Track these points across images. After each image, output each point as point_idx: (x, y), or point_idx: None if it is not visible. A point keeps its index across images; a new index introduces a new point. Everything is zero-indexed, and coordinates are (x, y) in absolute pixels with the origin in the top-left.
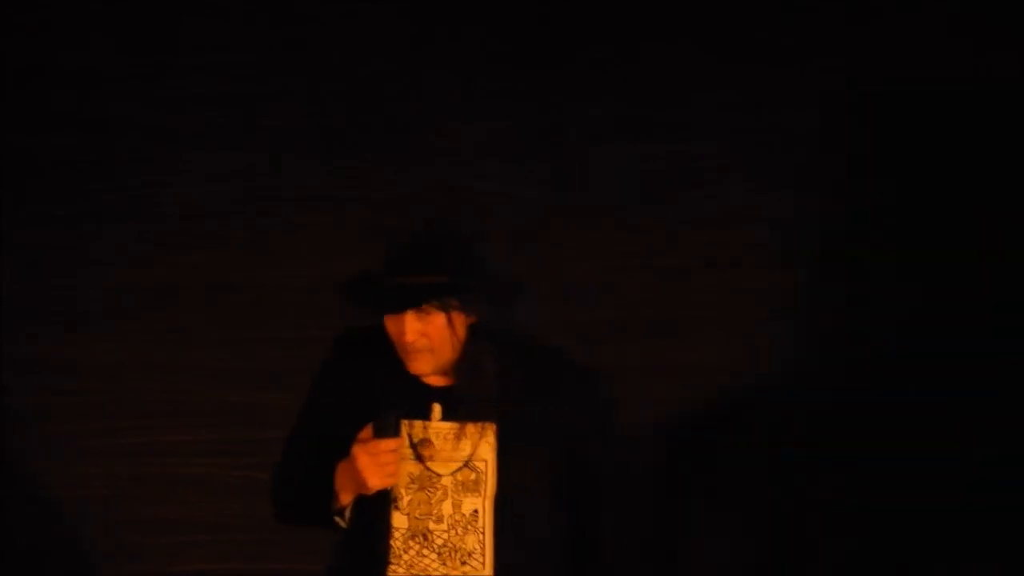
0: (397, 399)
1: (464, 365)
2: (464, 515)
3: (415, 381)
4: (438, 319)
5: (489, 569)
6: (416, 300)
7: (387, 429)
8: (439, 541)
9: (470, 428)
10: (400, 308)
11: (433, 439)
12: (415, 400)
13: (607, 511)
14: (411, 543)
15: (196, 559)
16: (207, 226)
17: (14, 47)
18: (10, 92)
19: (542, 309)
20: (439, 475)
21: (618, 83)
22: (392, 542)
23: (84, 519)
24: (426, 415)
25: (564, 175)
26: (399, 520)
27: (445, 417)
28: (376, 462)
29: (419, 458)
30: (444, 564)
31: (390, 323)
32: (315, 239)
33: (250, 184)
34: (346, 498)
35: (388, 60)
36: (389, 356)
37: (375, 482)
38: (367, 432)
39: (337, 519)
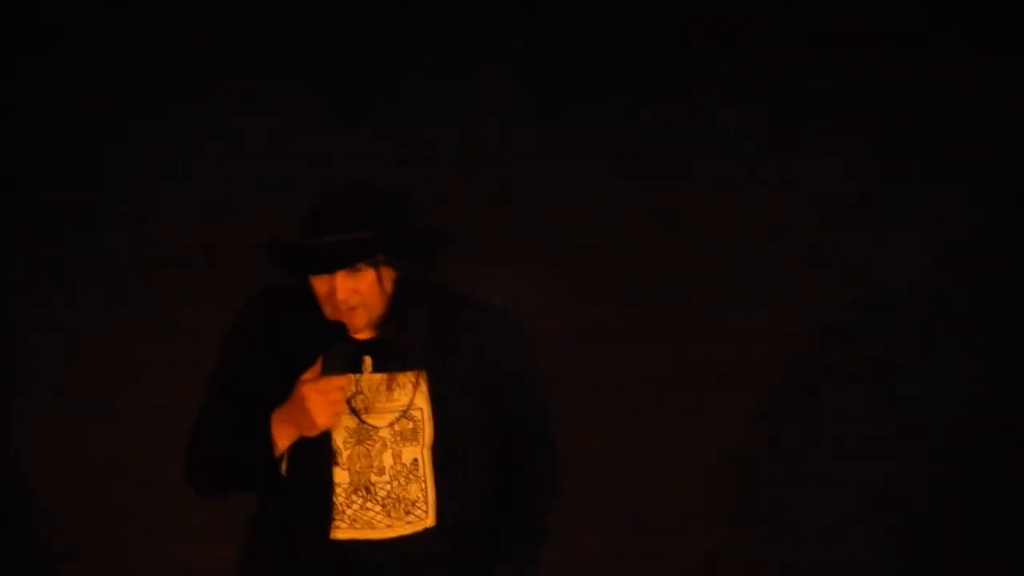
0: (323, 354)
1: (392, 317)
2: (405, 465)
3: (342, 335)
4: (369, 276)
5: (432, 518)
6: (347, 259)
7: (335, 366)
8: (382, 493)
9: (401, 378)
10: (332, 268)
11: (366, 391)
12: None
13: (539, 450)
14: (354, 497)
15: (196, 515)
16: None
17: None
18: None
19: (542, 271)
20: (376, 427)
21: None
22: (334, 498)
23: (82, 478)
24: (357, 368)
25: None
26: (340, 475)
27: (376, 369)
28: (326, 400)
29: (354, 412)
30: (388, 515)
31: (318, 282)
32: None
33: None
34: (284, 444)
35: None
36: (311, 313)
37: (323, 420)
38: (312, 372)
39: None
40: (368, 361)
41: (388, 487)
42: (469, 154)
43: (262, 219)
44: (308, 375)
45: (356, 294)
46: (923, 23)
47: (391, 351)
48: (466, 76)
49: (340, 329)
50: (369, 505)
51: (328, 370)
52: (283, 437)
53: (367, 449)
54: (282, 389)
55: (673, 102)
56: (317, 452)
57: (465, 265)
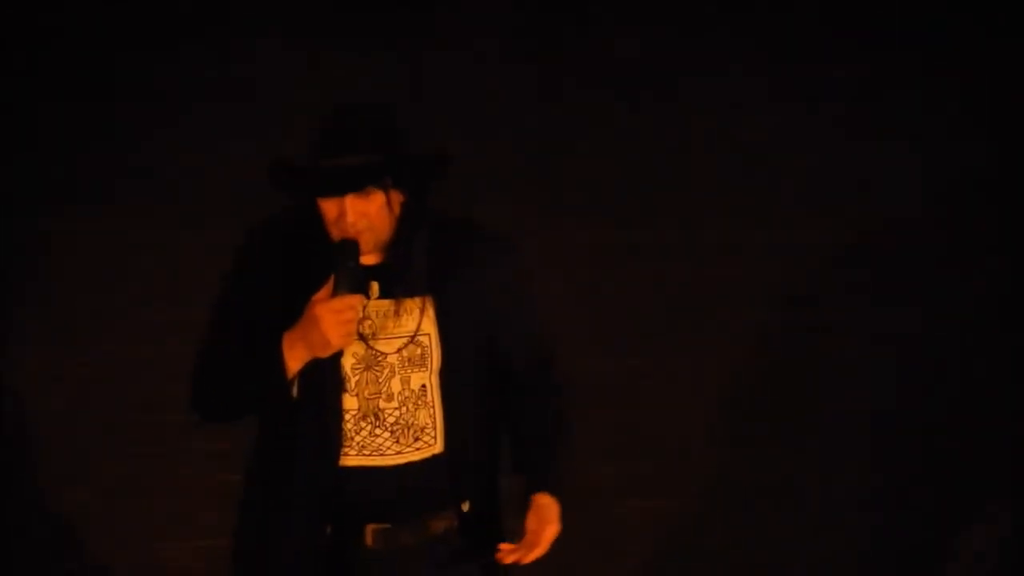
0: (335, 272)
1: (398, 242)
2: (413, 391)
3: (354, 254)
4: (378, 199)
5: (441, 443)
6: (358, 182)
7: (347, 285)
8: (391, 419)
9: (408, 303)
10: (343, 191)
11: (373, 317)
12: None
13: (544, 372)
14: (362, 424)
15: (197, 439)
16: None
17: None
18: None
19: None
20: (384, 353)
21: None
22: (343, 425)
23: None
24: (364, 293)
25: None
26: (349, 402)
27: (382, 295)
28: (339, 319)
29: (362, 337)
30: (397, 442)
31: (327, 205)
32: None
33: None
34: (296, 366)
35: None
36: (318, 235)
37: (337, 340)
38: (323, 292)
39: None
40: (375, 286)
41: (397, 413)
42: (464, 76)
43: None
44: (320, 294)
45: (365, 217)
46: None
47: (397, 276)
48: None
49: (352, 246)
50: (378, 432)
51: (340, 288)
52: (295, 359)
53: (376, 375)
54: (291, 311)
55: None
56: (326, 378)
57: (464, 189)
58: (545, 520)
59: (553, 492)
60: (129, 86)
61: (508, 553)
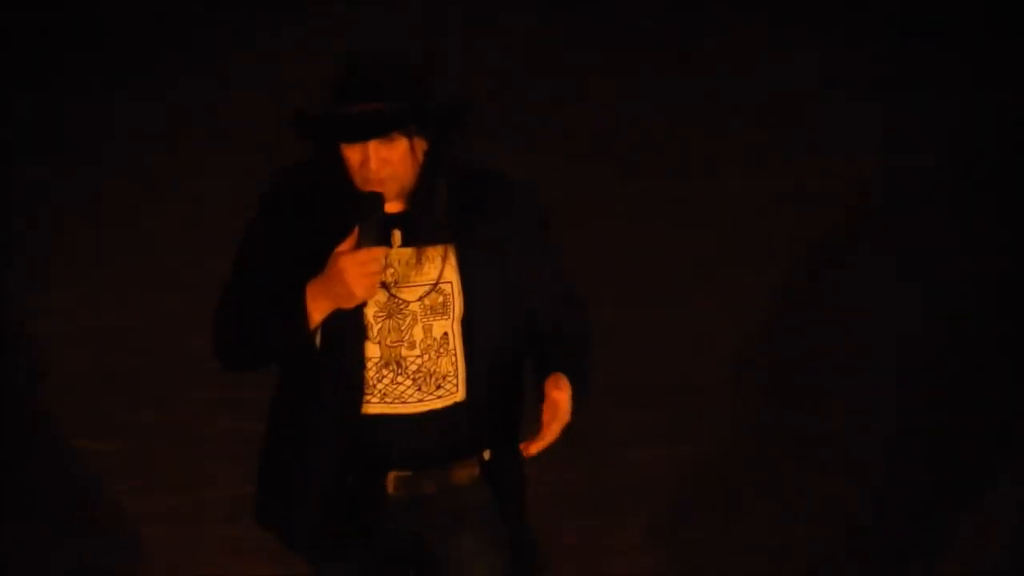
0: (359, 224)
1: (420, 189)
2: (435, 339)
3: (378, 205)
4: (402, 145)
5: (462, 391)
6: (383, 128)
7: (371, 237)
8: (413, 367)
9: (430, 251)
10: (365, 137)
11: (396, 265)
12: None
13: (572, 308)
14: (384, 371)
15: (218, 388)
16: None
17: None
18: None
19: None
20: (406, 301)
21: None
22: (365, 373)
23: (108, 351)
24: (387, 242)
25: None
26: (371, 350)
27: (404, 243)
28: (364, 271)
29: (384, 286)
30: (419, 390)
31: (350, 152)
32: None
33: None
34: (319, 317)
35: None
36: (341, 184)
37: (362, 292)
38: (347, 244)
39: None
40: (397, 234)
41: (419, 361)
42: (480, 26)
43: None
44: (344, 246)
45: (388, 164)
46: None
47: (419, 224)
48: None
49: (377, 198)
50: (400, 379)
51: (364, 240)
52: (318, 310)
53: (398, 323)
54: (314, 260)
55: None
56: (348, 327)
57: (478, 140)
58: (557, 404)
59: (569, 382)
60: (140, 34)
61: (526, 448)
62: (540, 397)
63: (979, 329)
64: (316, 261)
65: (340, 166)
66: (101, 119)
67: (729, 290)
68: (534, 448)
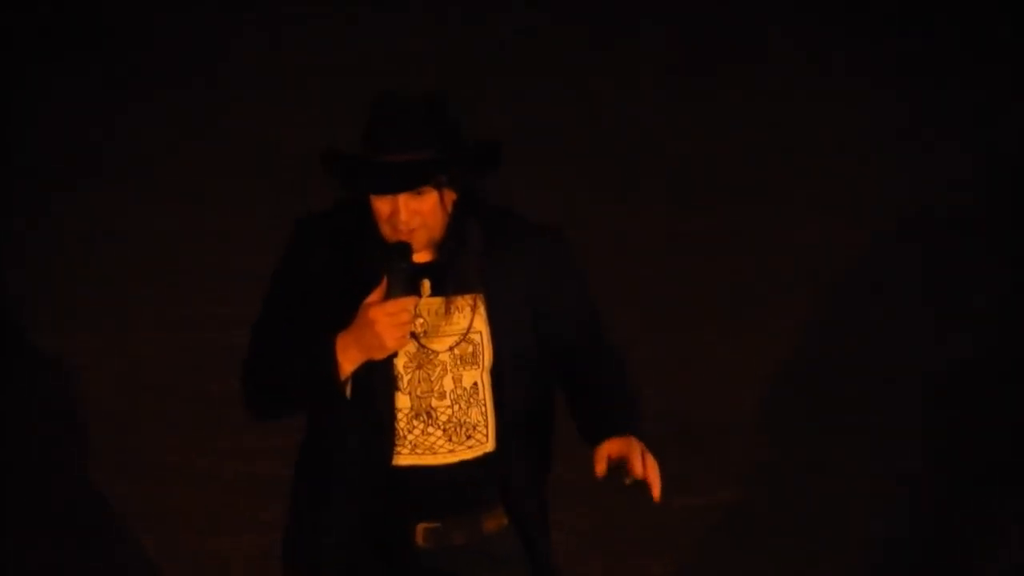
0: (387, 274)
1: (449, 238)
2: (466, 389)
3: (407, 255)
4: (432, 197)
5: (492, 441)
6: (413, 182)
7: (400, 287)
8: (443, 417)
9: (460, 301)
10: (396, 190)
11: (425, 315)
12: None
13: (608, 355)
14: (415, 422)
15: (246, 433)
16: None
17: None
18: None
19: (589, 177)
20: (436, 351)
21: None
22: (396, 424)
23: (130, 390)
24: (416, 291)
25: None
26: (402, 400)
27: (434, 292)
28: (394, 321)
29: (414, 336)
30: (450, 440)
31: (380, 203)
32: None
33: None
34: (350, 368)
35: None
36: (370, 232)
37: (393, 343)
38: (376, 295)
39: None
40: (426, 284)
41: (449, 411)
42: (504, 59)
43: (319, 128)
44: (373, 297)
45: (418, 215)
46: None
47: (448, 274)
48: None
49: (405, 248)
50: (431, 430)
51: (393, 291)
52: (349, 361)
53: (428, 373)
54: (343, 309)
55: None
56: (378, 377)
57: (503, 175)
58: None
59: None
60: (169, 74)
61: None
62: (617, 471)
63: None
64: (345, 308)
65: (368, 212)
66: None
67: (762, 330)
68: (656, 490)
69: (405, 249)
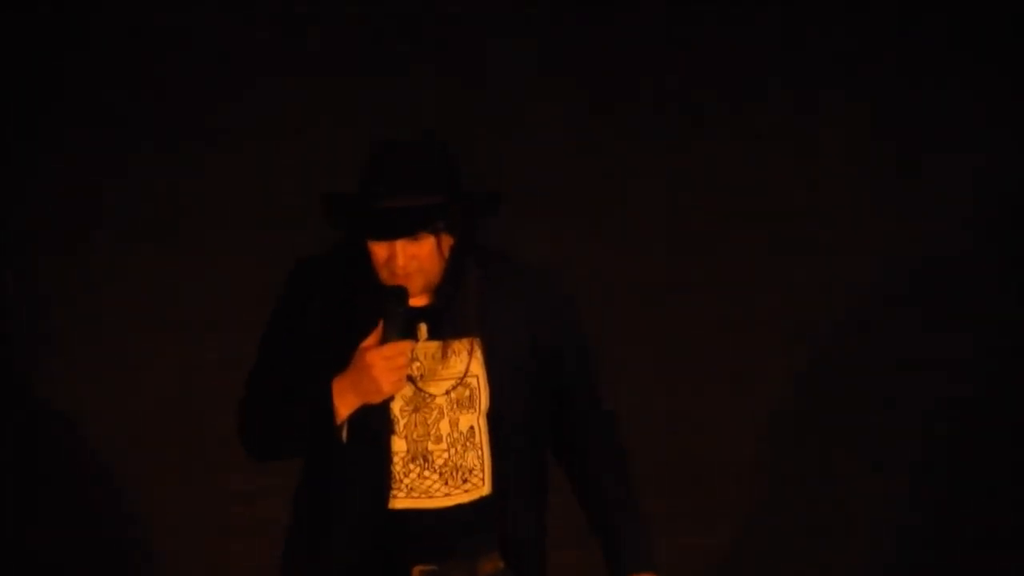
0: (384, 318)
1: (446, 283)
2: (462, 433)
3: (403, 299)
4: (429, 242)
5: (488, 485)
6: (412, 227)
7: (397, 331)
8: (439, 461)
9: (456, 345)
10: (394, 236)
11: (422, 359)
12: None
13: (598, 411)
14: (411, 466)
15: (249, 473)
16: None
17: None
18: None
19: (586, 223)
20: (433, 395)
21: None
22: (392, 467)
23: (132, 433)
24: (413, 335)
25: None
26: (398, 444)
27: (430, 336)
28: (390, 365)
29: (410, 379)
30: (446, 484)
31: (377, 248)
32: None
33: (303, 101)
34: (346, 412)
35: None
36: (365, 276)
37: (389, 387)
38: (372, 339)
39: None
40: (423, 328)
41: (446, 455)
42: (506, 104)
43: (314, 176)
44: (370, 341)
45: (415, 260)
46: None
47: (445, 317)
48: (498, 20)
49: (402, 293)
50: (427, 474)
51: (390, 335)
52: (345, 405)
53: (424, 417)
54: (340, 352)
55: (717, 53)
56: (374, 421)
57: (500, 219)
58: None
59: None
60: (167, 121)
61: None
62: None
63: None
64: (342, 352)
65: (364, 255)
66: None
67: (762, 370)
68: None
69: (402, 293)
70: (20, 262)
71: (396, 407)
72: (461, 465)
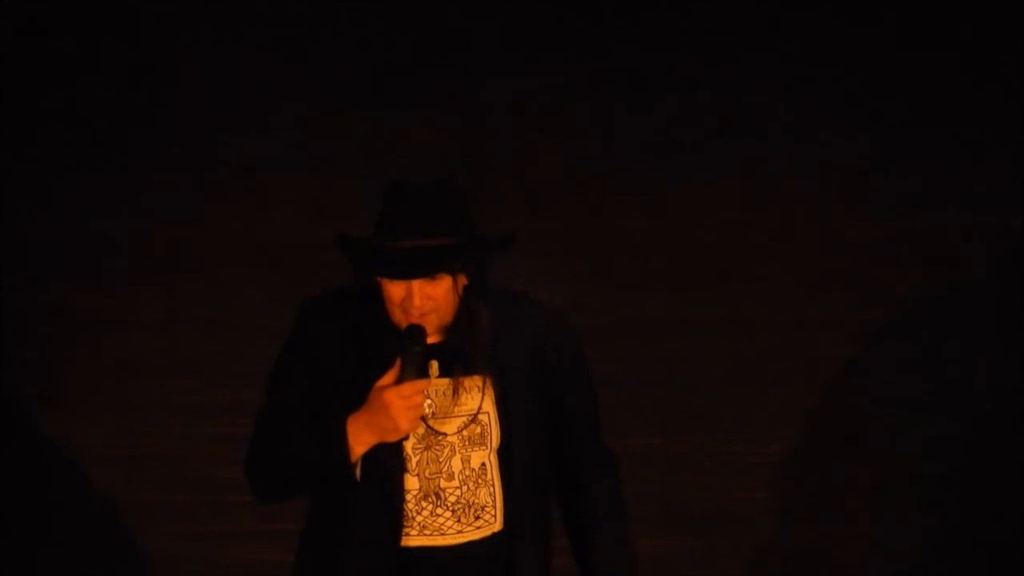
0: (401, 357)
1: (459, 321)
2: (474, 470)
3: (421, 339)
4: (445, 282)
5: (500, 521)
6: (431, 268)
7: (413, 369)
8: (452, 498)
9: (468, 383)
10: (413, 275)
11: (433, 396)
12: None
13: (599, 452)
14: (424, 503)
15: (253, 518)
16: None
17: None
18: (63, 39)
19: (589, 263)
20: (445, 433)
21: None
22: (405, 505)
23: (138, 477)
24: (425, 373)
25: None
26: (410, 482)
27: (441, 373)
28: (408, 404)
29: (422, 417)
30: (458, 521)
31: (393, 287)
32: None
33: (304, 140)
34: (361, 450)
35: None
36: (378, 315)
37: (406, 426)
38: (388, 378)
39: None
40: (435, 365)
41: (458, 492)
42: (505, 146)
43: (320, 220)
44: (386, 380)
45: (431, 301)
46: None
47: (457, 355)
48: (500, 63)
49: (420, 332)
50: (439, 511)
51: (407, 374)
52: (360, 444)
53: (436, 455)
54: (351, 392)
55: (721, 88)
56: (387, 459)
57: (504, 258)
58: None
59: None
60: (172, 167)
61: None
62: None
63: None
64: (353, 392)
65: (376, 294)
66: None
67: (766, 413)
68: None
69: (420, 333)
70: (23, 301)
71: (408, 445)
72: (473, 502)
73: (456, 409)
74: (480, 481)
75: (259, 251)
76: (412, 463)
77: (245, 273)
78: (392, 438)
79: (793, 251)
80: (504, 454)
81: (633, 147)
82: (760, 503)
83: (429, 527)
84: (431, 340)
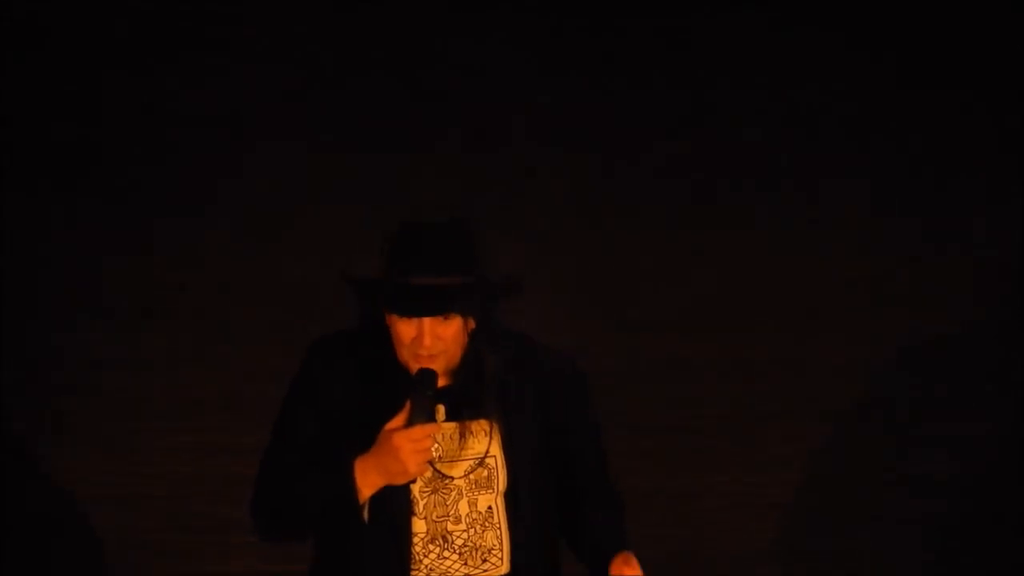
0: (411, 400)
1: (466, 364)
2: (481, 513)
3: (431, 382)
4: (456, 323)
5: (507, 564)
6: (444, 306)
7: (425, 413)
8: (459, 541)
9: (474, 426)
10: (425, 313)
11: (439, 440)
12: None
13: (607, 494)
14: (431, 546)
15: (254, 558)
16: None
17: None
18: (62, 74)
19: (596, 304)
20: (452, 477)
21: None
22: (412, 548)
23: (140, 517)
24: (432, 417)
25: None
26: (418, 525)
27: (448, 417)
28: (417, 447)
29: (429, 461)
30: (466, 564)
31: (404, 325)
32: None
33: (308, 179)
34: (369, 492)
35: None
36: (382, 360)
37: (415, 469)
38: (397, 421)
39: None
40: (441, 409)
41: (465, 535)
42: (514, 187)
43: (321, 257)
44: (395, 423)
45: (441, 341)
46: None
47: (463, 398)
48: (498, 92)
49: (432, 376)
50: (447, 554)
51: (417, 417)
52: (368, 486)
53: (443, 498)
54: (358, 433)
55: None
56: (394, 502)
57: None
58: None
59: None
60: (171, 205)
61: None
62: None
63: None
64: (361, 433)
65: (384, 335)
66: (141, 286)
67: (771, 456)
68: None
69: (432, 377)
70: (26, 341)
71: (415, 488)
72: (480, 545)
73: (463, 452)
74: (487, 524)
75: (261, 291)
76: (419, 506)
77: (247, 313)
78: (400, 481)
79: (804, 294)
80: (511, 497)
81: (640, 191)
82: (766, 546)
83: (436, 570)
84: (439, 383)
